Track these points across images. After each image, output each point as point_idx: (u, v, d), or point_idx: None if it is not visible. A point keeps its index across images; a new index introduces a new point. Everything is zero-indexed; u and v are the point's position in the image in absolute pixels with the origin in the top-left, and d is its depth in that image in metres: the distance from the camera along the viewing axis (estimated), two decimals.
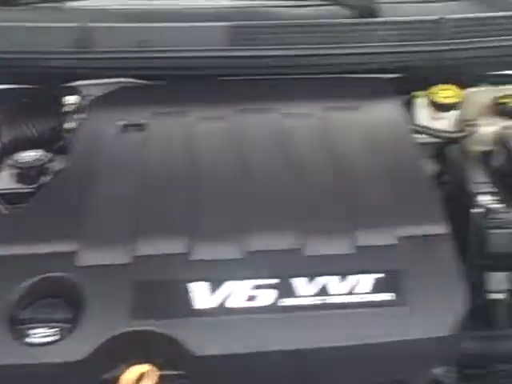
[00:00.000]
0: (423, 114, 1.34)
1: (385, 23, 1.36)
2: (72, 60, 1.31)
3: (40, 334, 0.89)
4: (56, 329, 0.89)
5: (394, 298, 0.92)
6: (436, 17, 1.34)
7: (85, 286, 0.92)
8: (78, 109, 1.29)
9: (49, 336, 0.89)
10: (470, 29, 1.35)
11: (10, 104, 1.30)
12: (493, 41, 1.35)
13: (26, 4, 1.41)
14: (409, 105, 1.36)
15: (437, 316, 0.91)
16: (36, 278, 0.93)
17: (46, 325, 0.89)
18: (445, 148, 1.32)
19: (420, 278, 0.94)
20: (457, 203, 1.17)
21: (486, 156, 1.27)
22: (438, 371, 1.10)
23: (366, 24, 1.35)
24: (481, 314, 1.10)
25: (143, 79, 1.36)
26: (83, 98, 1.31)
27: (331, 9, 1.40)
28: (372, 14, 1.37)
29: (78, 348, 0.87)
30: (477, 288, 1.09)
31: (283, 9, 1.43)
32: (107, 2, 1.44)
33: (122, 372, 0.89)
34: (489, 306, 1.10)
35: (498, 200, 1.13)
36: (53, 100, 1.30)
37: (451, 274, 0.95)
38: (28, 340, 0.88)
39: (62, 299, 0.92)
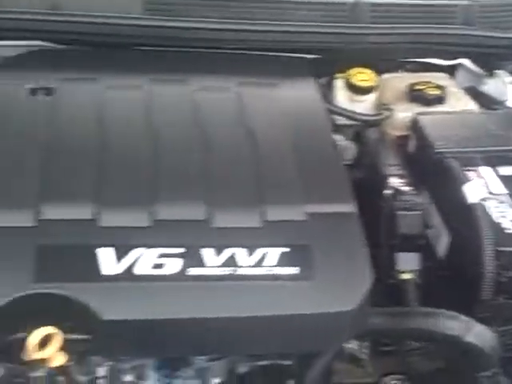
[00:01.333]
0: (342, 96, 1.44)
1: (305, 3, 1.44)
2: None
3: None
4: None
5: (299, 272, 0.99)
6: (353, 0, 1.44)
7: None
8: None
9: None
10: (387, 14, 1.45)
11: None
12: (408, 28, 1.46)
13: None
14: (329, 86, 1.45)
15: (341, 291, 0.99)
16: None
17: None
18: (363, 131, 1.42)
19: (326, 253, 1.02)
20: (371, 185, 1.27)
21: (400, 140, 1.38)
22: (353, 346, 1.21)
23: (287, 2, 1.43)
24: (391, 293, 1.20)
25: (54, 43, 1.40)
26: None
27: None
28: None
29: None
30: (388, 268, 1.20)
31: None
32: None
33: (28, 335, 0.94)
34: (398, 286, 1.20)
35: (407, 183, 1.23)
36: None
37: (356, 251, 1.03)
38: None
39: None
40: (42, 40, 1.39)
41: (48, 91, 1.24)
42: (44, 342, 0.94)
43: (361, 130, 1.44)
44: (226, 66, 1.36)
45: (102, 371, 1.09)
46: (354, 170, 1.35)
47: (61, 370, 1.01)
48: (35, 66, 1.31)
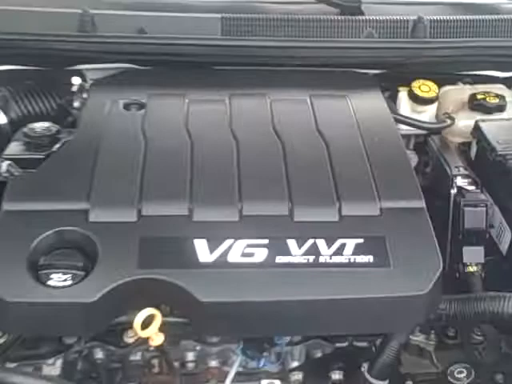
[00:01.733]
0: (406, 107, 1.54)
1: (371, 21, 1.56)
2: (74, 43, 1.48)
3: (57, 279, 1.05)
4: (70, 275, 1.05)
5: (375, 260, 1.10)
6: (415, 17, 1.55)
7: (97, 239, 1.09)
8: (83, 89, 1.46)
9: (64, 280, 1.05)
10: (446, 30, 1.56)
11: (19, 83, 1.47)
12: (466, 41, 1.56)
13: None
14: (393, 98, 1.56)
15: (414, 276, 1.09)
16: (52, 231, 1.10)
17: (62, 271, 1.05)
18: (427, 138, 1.52)
19: (398, 244, 1.12)
20: (437, 187, 1.36)
21: (462, 147, 1.48)
22: (420, 339, 1.30)
23: (351, 21, 1.55)
24: (458, 285, 1.29)
25: (140, 65, 1.55)
26: (87, 80, 1.50)
27: (319, 6, 1.61)
28: (356, 12, 1.57)
29: (90, 292, 1.04)
30: (455, 262, 1.29)
31: (275, 5, 1.63)
32: None
33: (132, 317, 1.06)
34: (465, 279, 1.29)
35: (472, 183, 1.32)
36: (59, 81, 1.48)
37: (426, 241, 1.13)
38: (47, 283, 1.05)
39: (76, 250, 1.09)
40: (130, 63, 1.53)
41: (140, 106, 1.37)
42: (146, 323, 1.05)
43: (422, 139, 1.53)
44: (299, 81, 1.48)
45: (191, 356, 1.21)
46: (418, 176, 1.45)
47: (159, 349, 1.14)
48: (127, 84, 1.45)
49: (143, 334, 1.06)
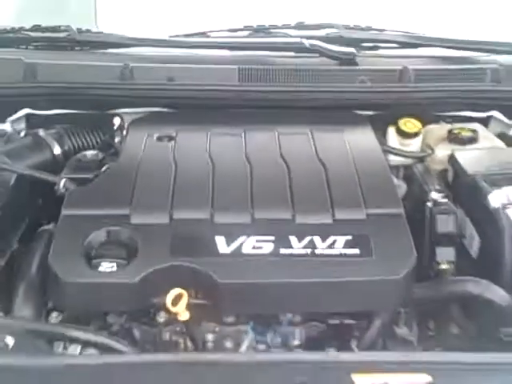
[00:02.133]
0: (393, 141, 1.83)
1: (361, 70, 1.87)
2: (116, 90, 1.81)
3: (105, 266, 1.33)
4: (116, 263, 1.34)
5: (361, 252, 1.37)
6: (401, 67, 1.86)
7: (137, 236, 1.38)
8: (122, 128, 1.77)
9: (111, 267, 1.33)
10: (427, 77, 1.87)
11: (71, 123, 1.79)
12: (445, 86, 1.86)
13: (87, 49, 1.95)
14: (383, 134, 1.85)
15: (391, 264, 1.36)
16: (102, 230, 1.39)
17: (109, 260, 1.34)
18: (410, 167, 1.80)
19: (380, 240, 1.39)
20: (419, 202, 1.63)
21: (440, 173, 1.75)
22: (403, 331, 1.54)
23: (347, 70, 1.86)
24: None
25: (170, 107, 1.86)
26: (125, 121, 1.81)
27: (320, 59, 1.93)
28: (351, 63, 1.88)
29: (132, 275, 1.32)
30: (429, 261, 1.55)
31: (282, 58, 1.95)
32: (143, 50, 1.96)
33: (163, 298, 1.33)
34: (438, 274, 1.54)
35: (444, 197, 1.59)
36: (103, 121, 1.80)
37: (403, 239, 1.41)
38: (98, 269, 1.33)
39: (120, 245, 1.37)
40: (161, 106, 1.84)
41: (170, 138, 1.68)
42: (175, 301, 1.32)
43: (409, 167, 1.81)
44: (302, 119, 1.78)
45: (210, 337, 1.46)
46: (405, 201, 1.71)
47: (185, 325, 1.39)
48: (159, 123, 1.76)
49: (173, 309, 1.32)
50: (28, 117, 1.85)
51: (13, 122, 1.83)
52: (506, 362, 1.12)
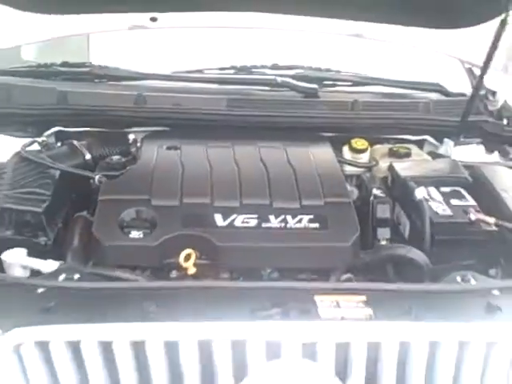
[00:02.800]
0: (347, 156, 2.36)
1: (325, 102, 2.42)
2: (132, 113, 2.33)
3: (134, 234, 1.84)
4: (142, 232, 1.85)
5: (320, 226, 1.89)
6: (352, 99, 2.43)
7: (156, 214, 1.88)
8: (136, 142, 2.29)
9: (139, 235, 1.84)
10: (372, 108, 2.44)
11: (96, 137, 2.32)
12: (388, 115, 2.42)
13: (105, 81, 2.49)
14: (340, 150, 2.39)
15: (341, 235, 1.88)
16: (131, 209, 1.90)
17: (137, 229, 1.85)
18: (361, 174, 2.34)
19: (334, 219, 1.92)
20: (366, 199, 2.15)
21: (383, 179, 2.29)
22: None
23: (311, 101, 2.41)
24: None
25: (174, 127, 2.38)
26: (137, 137, 2.33)
27: (290, 92, 2.49)
28: (314, 95, 2.44)
29: (153, 240, 1.82)
30: (372, 238, 2.07)
31: (261, 91, 2.51)
32: (152, 82, 2.51)
33: (177, 256, 1.83)
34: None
35: (382, 193, 2.12)
36: (120, 136, 2.33)
37: (350, 219, 1.93)
38: (129, 236, 1.84)
39: (145, 220, 1.88)
40: (169, 126, 2.36)
41: (176, 148, 2.20)
42: (186, 258, 1.82)
43: (359, 176, 2.35)
44: (276, 137, 2.31)
45: None
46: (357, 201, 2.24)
47: (193, 276, 1.89)
48: (167, 137, 2.28)
49: (185, 264, 1.82)
50: (57, 133, 2.38)
51: (48, 136, 2.35)
52: (415, 290, 1.64)
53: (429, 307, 1.57)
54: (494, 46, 2.13)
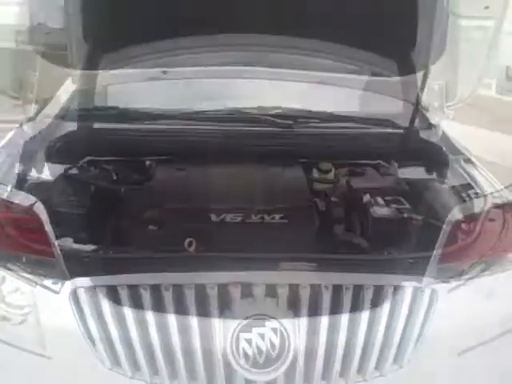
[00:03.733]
0: (316, 175, 3.04)
1: (298, 133, 3.10)
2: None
3: None
4: None
5: (288, 221, 2.57)
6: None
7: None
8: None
9: None
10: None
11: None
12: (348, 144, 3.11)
13: None
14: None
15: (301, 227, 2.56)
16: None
17: None
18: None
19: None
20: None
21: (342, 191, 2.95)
22: None
23: (288, 133, 3.10)
24: None
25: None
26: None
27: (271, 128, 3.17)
28: (290, 128, 3.11)
29: None
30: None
31: (247, 127, 3.19)
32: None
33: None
34: None
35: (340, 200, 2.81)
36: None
37: (308, 217, 2.62)
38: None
39: None
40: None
41: (182, 170, 2.89)
42: (189, 244, 2.48)
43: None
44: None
45: None
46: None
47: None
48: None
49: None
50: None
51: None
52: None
53: None
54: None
